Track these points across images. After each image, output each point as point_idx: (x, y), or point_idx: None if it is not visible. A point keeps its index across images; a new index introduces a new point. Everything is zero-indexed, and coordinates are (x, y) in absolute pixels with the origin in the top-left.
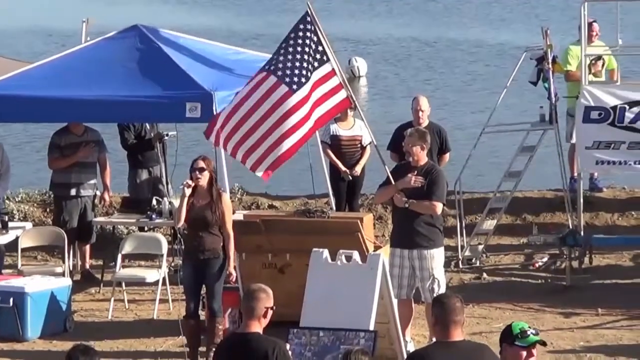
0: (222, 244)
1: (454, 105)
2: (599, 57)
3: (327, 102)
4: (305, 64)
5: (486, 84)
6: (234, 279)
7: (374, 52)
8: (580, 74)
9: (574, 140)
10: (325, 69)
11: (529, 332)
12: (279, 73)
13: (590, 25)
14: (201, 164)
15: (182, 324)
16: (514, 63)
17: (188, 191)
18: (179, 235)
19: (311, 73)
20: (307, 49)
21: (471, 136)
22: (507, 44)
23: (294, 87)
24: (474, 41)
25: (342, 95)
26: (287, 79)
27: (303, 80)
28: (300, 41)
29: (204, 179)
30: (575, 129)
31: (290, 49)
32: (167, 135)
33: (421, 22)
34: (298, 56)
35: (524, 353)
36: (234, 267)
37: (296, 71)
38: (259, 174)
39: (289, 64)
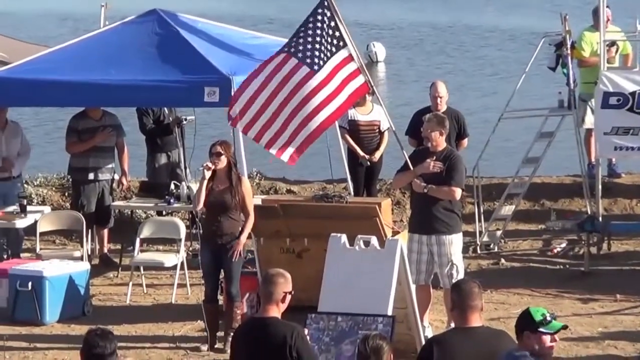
0: (240, 228)
1: (466, 90)
2: (613, 43)
3: (346, 89)
4: (323, 47)
5: (497, 69)
6: (237, 254)
7: (387, 37)
8: (593, 60)
9: (586, 126)
10: (342, 54)
11: (549, 318)
12: (300, 55)
13: None
14: (218, 148)
15: (203, 308)
16: (526, 48)
17: (208, 174)
18: (196, 219)
19: (329, 57)
20: (324, 33)
21: (482, 120)
22: (518, 29)
23: (315, 67)
24: (488, 26)
25: (360, 80)
26: (308, 60)
27: (322, 62)
28: (319, 24)
29: (221, 163)
30: (594, 114)
31: (310, 32)
32: (185, 119)
33: (435, 6)
34: (318, 38)
35: (549, 339)
36: (250, 251)
37: (316, 52)
38: (285, 158)
39: (309, 46)
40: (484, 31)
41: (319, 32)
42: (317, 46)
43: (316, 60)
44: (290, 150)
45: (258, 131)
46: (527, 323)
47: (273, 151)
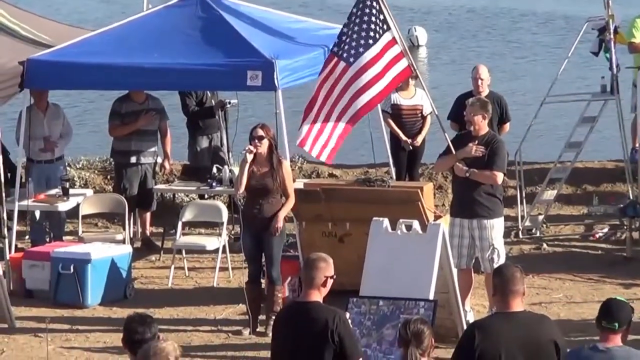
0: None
1: (506, 74)
2: None
3: (389, 73)
4: (368, 34)
5: (533, 53)
6: (278, 230)
7: (423, 21)
8: None
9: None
10: (387, 37)
11: None
12: (344, 55)
13: None
14: (260, 132)
15: (245, 290)
16: (562, 32)
17: (250, 157)
18: (238, 203)
19: (373, 43)
20: (372, 19)
21: (523, 104)
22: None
23: (351, 60)
24: (523, 10)
25: (403, 64)
26: (345, 55)
27: (361, 50)
28: (367, 10)
29: (263, 147)
30: (638, 99)
31: (357, 20)
32: (229, 103)
33: None
34: (364, 25)
35: None
36: (292, 235)
37: (353, 43)
38: (323, 158)
39: (354, 36)
40: (521, 15)
41: (366, 18)
42: (364, 34)
43: (353, 51)
44: (328, 148)
45: (312, 141)
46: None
47: (314, 152)
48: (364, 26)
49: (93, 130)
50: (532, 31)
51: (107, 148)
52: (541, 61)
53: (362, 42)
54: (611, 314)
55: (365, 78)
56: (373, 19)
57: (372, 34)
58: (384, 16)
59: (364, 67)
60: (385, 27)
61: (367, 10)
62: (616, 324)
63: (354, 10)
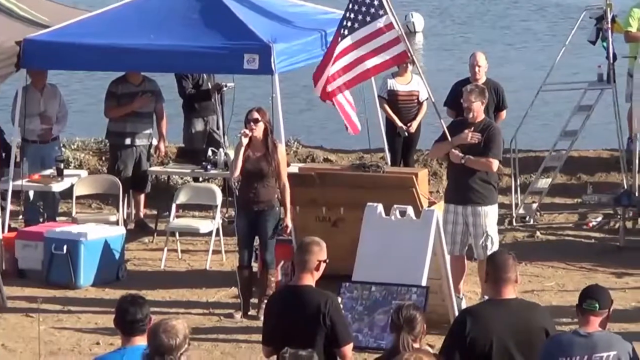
0: (276, 195)
1: (504, 62)
2: None
3: (384, 54)
4: (368, 11)
5: (533, 41)
6: (289, 231)
7: (420, 6)
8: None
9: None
10: (383, 21)
11: None
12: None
13: None
14: (255, 115)
15: (237, 274)
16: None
17: (245, 141)
18: (233, 186)
19: (370, 21)
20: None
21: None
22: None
23: (345, 32)
24: None
25: (400, 48)
26: (342, 30)
27: (356, 25)
28: None
29: (258, 130)
30: (633, 89)
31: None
32: (226, 86)
33: None
34: (361, 7)
35: None
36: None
37: (349, 23)
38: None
39: (351, 15)
40: (524, 3)
41: (356, 7)
42: (353, 16)
43: (347, 28)
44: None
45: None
46: None
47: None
48: (361, 8)
49: (79, 110)
50: (523, 18)
51: (92, 128)
52: (530, 48)
53: (360, 17)
54: (591, 295)
55: (357, 54)
56: (367, 0)
57: (369, 13)
58: (380, 1)
59: (357, 43)
60: (382, 12)
61: None
62: (597, 305)
63: None
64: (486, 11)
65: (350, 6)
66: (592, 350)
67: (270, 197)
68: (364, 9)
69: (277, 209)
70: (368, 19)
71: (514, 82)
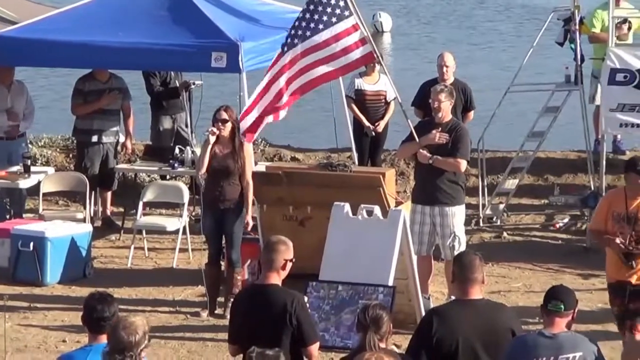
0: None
1: (471, 62)
2: (624, 20)
3: (351, 54)
4: (334, 12)
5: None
6: (250, 228)
7: (390, 7)
8: (603, 36)
9: (597, 102)
10: (348, 22)
11: None
12: (295, 40)
13: None
14: (224, 114)
15: (204, 272)
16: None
17: (212, 139)
18: (199, 184)
19: (336, 22)
20: (330, 2)
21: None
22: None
23: (307, 34)
24: None
25: (366, 49)
26: (296, 39)
27: (321, 27)
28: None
29: (226, 130)
30: (600, 90)
31: (313, 5)
32: (194, 84)
33: None
34: (322, 8)
35: None
36: (253, 218)
37: (311, 24)
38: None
39: (313, 16)
40: (490, 4)
41: (320, 8)
42: (316, 17)
43: (309, 32)
44: (275, 108)
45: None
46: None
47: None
48: (326, 9)
49: (44, 106)
50: (489, 18)
51: (56, 125)
52: (495, 48)
53: (325, 18)
54: (556, 296)
55: (319, 55)
56: (332, 1)
57: (334, 14)
58: (345, 2)
59: (319, 45)
60: (347, 13)
61: None
62: (562, 306)
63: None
64: (452, 11)
65: (312, 7)
66: (558, 352)
67: (236, 196)
68: (329, 9)
69: (243, 207)
70: (334, 20)
71: (479, 82)
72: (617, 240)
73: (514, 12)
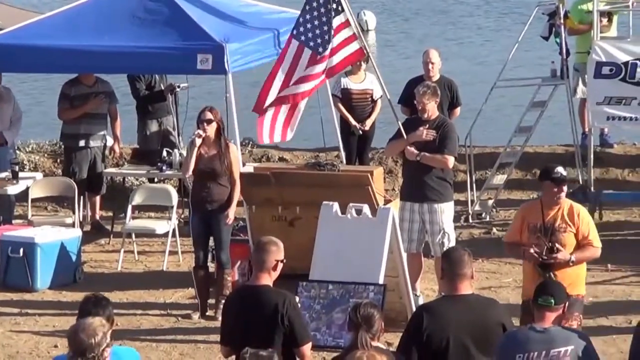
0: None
1: (457, 59)
2: (604, 14)
3: (341, 52)
4: (330, 19)
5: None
6: (230, 221)
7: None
8: (581, 28)
9: (579, 95)
10: (339, 19)
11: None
12: (311, 43)
13: None
14: (208, 115)
15: (193, 274)
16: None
17: (199, 141)
18: (186, 185)
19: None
20: (328, 6)
21: (474, 89)
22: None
23: (320, 49)
24: None
25: (355, 45)
26: (312, 43)
27: (326, 45)
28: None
29: (211, 130)
30: (587, 84)
31: (315, 13)
32: (179, 86)
33: None
34: (324, 18)
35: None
36: (243, 219)
37: (322, 33)
38: (277, 139)
39: (318, 24)
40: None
41: (322, 10)
42: (321, 27)
43: (319, 40)
44: (279, 128)
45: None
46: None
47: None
48: (324, 11)
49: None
50: (467, 13)
51: (37, 128)
52: (474, 43)
53: (327, 28)
54: (547, 291)
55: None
56: (329, 4)
57: (332, 9)
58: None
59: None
60: (339, 8)
61: None
62: (552, 300)
63: None
64: (430, 7)
65: (314, 12)
66: (549, 346)
67: (224, 197)
68: (324, 11)
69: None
70: (333, 14)
71: (458, 78)
72: (531, 250)
73: (493, 7)
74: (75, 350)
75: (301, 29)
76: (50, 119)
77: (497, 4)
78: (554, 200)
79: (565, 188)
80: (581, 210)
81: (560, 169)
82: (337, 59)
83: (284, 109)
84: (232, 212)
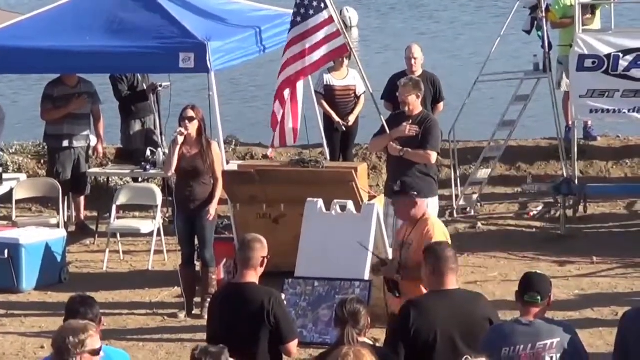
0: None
1: (440, 53)
2: (587, 7)
3: (325, 47)
4: (311, 4)
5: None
6: (211, 217)
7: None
8: (563, 21)
9: (563, 88)
10: (323, 15)
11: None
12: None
13: None
14: (190, 113)
15: (179, 273)
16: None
17: (181, 139)
18: (170, 184)
19: (313, 14)
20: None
21: (457, 84)
22: None
23: (298, 19)
24: None
25: (340, 41)
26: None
27: (298, 19)
28: None
29: (192, 128)
30: (570, 77)
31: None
32: (161, 86)
33: None
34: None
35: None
36: (227, 217)
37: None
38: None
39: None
40: None
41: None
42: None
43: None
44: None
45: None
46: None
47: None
48: (304, 1)
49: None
50: (440, 7)
51: (41, 132)
52: (444, 37)
53: (303, 11)
54: (533, 287)
55: (301, 47)
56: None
57: (311, 6)
58: None
59: (302, 35)
60: (322, 5)
61: None
62: (539, 297)
63: None
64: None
65: (299, 1)
66: (536, 338)
67: (207, 195)
68: (306, 2)
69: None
70: (311, 12)
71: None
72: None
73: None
74: (57, 352)
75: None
76: (26, 118)
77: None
78: (405, 216)
79: (406, 201)
80: (434, 227)
81: (398, 183)
82: (322, 52)
83: (288, 110)
84: (213, 209)
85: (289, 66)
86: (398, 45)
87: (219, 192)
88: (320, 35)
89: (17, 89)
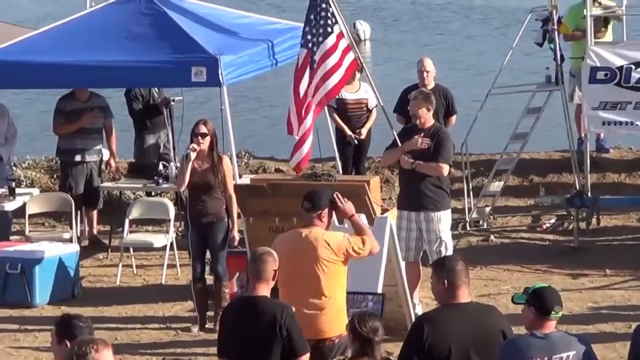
0: (224, 207)
1: (453, 66)
2: (600, 20)
3: (341, 69)
4: (326, 23)
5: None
6: (236, 242)
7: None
8: (576, 34)
9: (575, 101)
10: (336, 31)
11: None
12: (309, 45)
13: None
14: (203, 128)
15: (192, 287)
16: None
17: (193, 155)
18: (183, 198)
19: (330, 32)
20: (322, 13)
21: (469, 97)
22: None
23: (314, 48)
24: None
25: (351, 57)
26: (310, 44)
27: (320, 39)
28: (319, 3)
29: (205, 144)
30: (582, 89)
31: (313, 13)
32: (174, 100)
33: None
34: (320, 17)
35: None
36: (240, 231)
37: (316, 35)
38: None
39: (314, 28)
40: (464, 8)
41: (323, 13)
42: (315, 30)
43: (315, 41)
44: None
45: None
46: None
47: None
48: (320, 18)
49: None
50: (447, 19)
51: (53, 147)
52: (457, 51)
53: (322, 31)
54: (557, 301)
55: (327, 66)
56: (323, 13)
57: (329, 23)
58: (333, 10)
59: (325, 54)
60: (334, 20)
61: (320, 4)
62: (561, 313)
63: (310, 5)
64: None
65: (311, 18)
66: (552, 352)
67: (219, 209)
68: (322, 22)
69: (226, 220)
70: (329, 29)
71: (476, 89)
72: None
73: (475, 12)
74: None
75: (308, 37)
76: (31, 132)
77: (509, 12)
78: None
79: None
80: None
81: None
82: (339, 74)
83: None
84: (236, 231)
85: (324, 84)
86: (401, 57)
87: (235, 210)
88: (339, 50)
89: (21, 102)
